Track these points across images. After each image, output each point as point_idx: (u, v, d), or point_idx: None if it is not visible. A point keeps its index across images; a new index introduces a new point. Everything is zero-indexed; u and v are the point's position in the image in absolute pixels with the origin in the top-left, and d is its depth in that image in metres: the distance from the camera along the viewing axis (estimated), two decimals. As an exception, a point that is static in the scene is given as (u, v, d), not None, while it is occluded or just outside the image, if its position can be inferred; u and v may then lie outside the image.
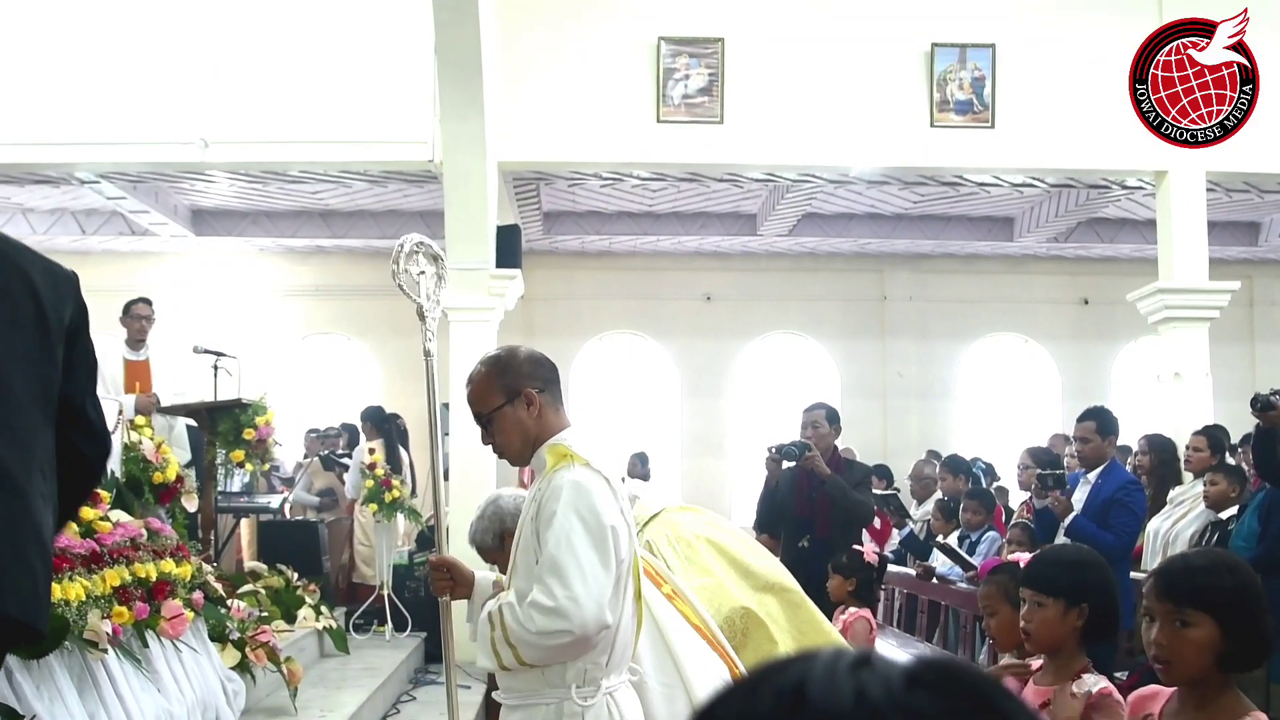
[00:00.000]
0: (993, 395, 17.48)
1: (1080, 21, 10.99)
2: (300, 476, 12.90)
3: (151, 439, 6.87)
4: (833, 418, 7.95)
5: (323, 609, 8.22)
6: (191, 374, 9.63)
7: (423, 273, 4.16)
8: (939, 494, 10.33)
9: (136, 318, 9.35)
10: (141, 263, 15.81)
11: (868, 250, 16.61)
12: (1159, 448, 8.69)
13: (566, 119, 10.89)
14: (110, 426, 6.30)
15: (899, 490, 12.12)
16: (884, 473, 12.85)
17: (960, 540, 9.02)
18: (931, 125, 10.96)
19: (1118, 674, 5.95)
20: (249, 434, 7.90)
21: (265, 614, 7.17)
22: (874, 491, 11.35)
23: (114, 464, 6.30)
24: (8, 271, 2.85)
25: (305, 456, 13.49)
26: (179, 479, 6.89)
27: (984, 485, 11.18)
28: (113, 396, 6.77)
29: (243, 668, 6.17)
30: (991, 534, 8.82)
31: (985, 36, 10.97)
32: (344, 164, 11.29)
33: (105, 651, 4.80)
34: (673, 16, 10.94)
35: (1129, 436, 10.06)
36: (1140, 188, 11.92)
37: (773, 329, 17.21)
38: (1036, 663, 3.82)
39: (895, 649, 8.83)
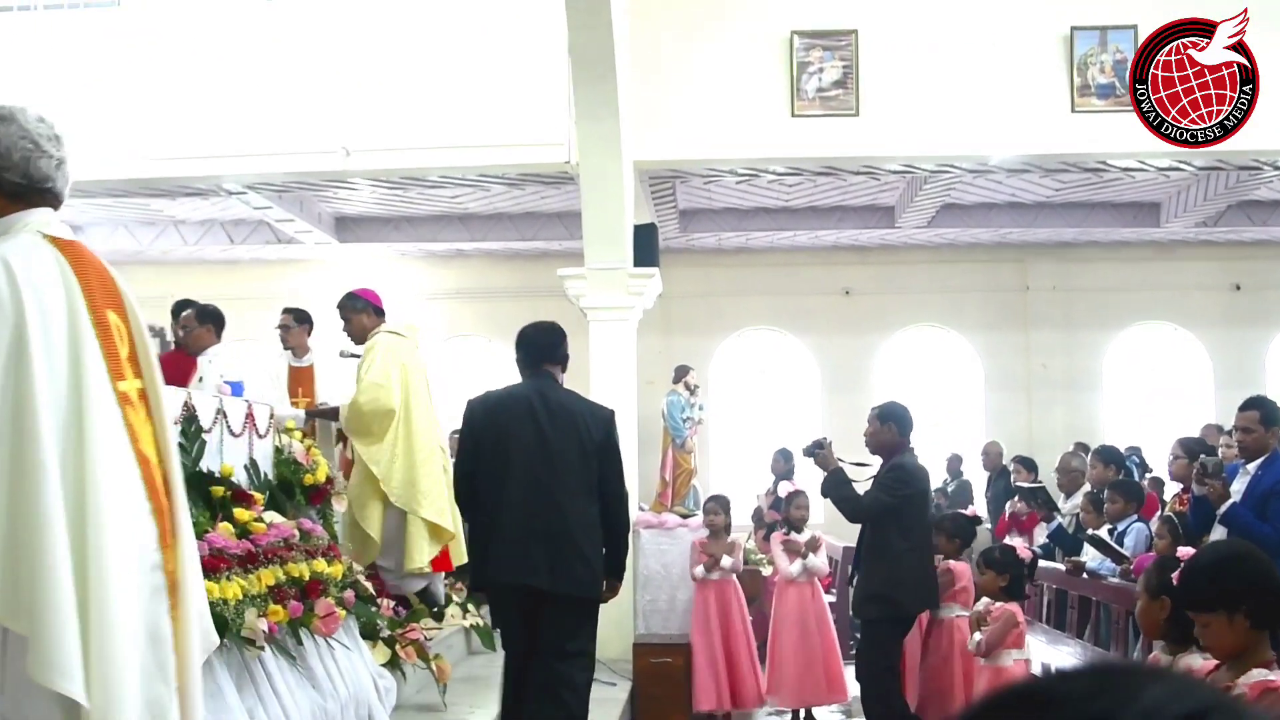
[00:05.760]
0: (1141, 385, 17.03)
1: (1226, -1, 10.68)
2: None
3: (301, 442, 7.04)
4: (885, 416, 7.59)
5: (469, 607, 8.33)
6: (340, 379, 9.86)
7: None
8: (1087, 486, 10.10)
9: (279, 328, 9.65)
10: (287, 270, 16.17)
11: (1009, 240, 16.33)
12: (1312, 437, 8.37)
13: (701, 116, 10.90)
14: (262, 430, 6.47)
15: (1043, 484, 11.89)
16: (1029, 465, 12.64)
17: (1108, 532, 8.82)
18: (1072, 110, 10.74)
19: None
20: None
21: (415, 610, 7.31)
22: (1021, 484, 11.17)
23: (266, 466, 6.47)
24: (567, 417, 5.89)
25: (451, 459, 13.63)
26: (329, 480, 7.05)
27: (1136, 477, 10.91)
28: (266, 403, 6.93)
29: (393, 665, 6.29)
30: (1138, 525, 8.58)
31: (1126, 18, 10.71)
32: (482, 168, 11.43)
33: (262, 649, 4.93)
34: (805, 10, 10.88)
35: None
36: (1293, 168, 11.54)
37: (913, 322, 16.99)
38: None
39: (1045, 646, 8.68)
